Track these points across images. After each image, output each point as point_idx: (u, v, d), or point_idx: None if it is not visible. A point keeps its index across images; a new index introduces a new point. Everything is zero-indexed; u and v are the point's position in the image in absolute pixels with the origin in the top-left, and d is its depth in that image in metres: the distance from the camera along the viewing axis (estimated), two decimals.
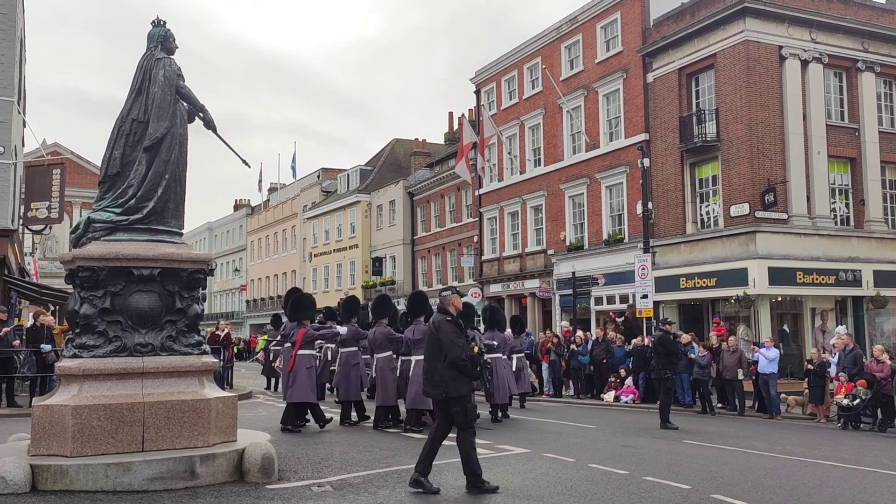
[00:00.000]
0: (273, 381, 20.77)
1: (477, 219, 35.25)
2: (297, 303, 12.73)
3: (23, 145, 24.25)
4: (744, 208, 21.59)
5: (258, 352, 29.41)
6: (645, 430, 12.98)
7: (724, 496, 7.30)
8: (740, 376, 16.69)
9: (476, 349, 7.37)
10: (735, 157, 22.05)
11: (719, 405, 17.13)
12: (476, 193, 35.22)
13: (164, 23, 8.61)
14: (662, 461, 9.46)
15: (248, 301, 60.60)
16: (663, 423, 13.28)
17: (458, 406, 7.18)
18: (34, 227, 23.67)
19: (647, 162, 22.44)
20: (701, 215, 23.69)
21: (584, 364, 19.67)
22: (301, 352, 11.86)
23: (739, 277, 21.07)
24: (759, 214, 21.31)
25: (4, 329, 14.66)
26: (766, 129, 21.87)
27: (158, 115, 8.18)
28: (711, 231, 22.83)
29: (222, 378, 17.92)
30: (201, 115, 8.64)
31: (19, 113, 20.21)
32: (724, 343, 17.31)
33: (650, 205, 22.94)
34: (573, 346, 20.08)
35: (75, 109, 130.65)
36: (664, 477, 8.18)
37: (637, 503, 6.95)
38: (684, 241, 23.43)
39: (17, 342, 15.20)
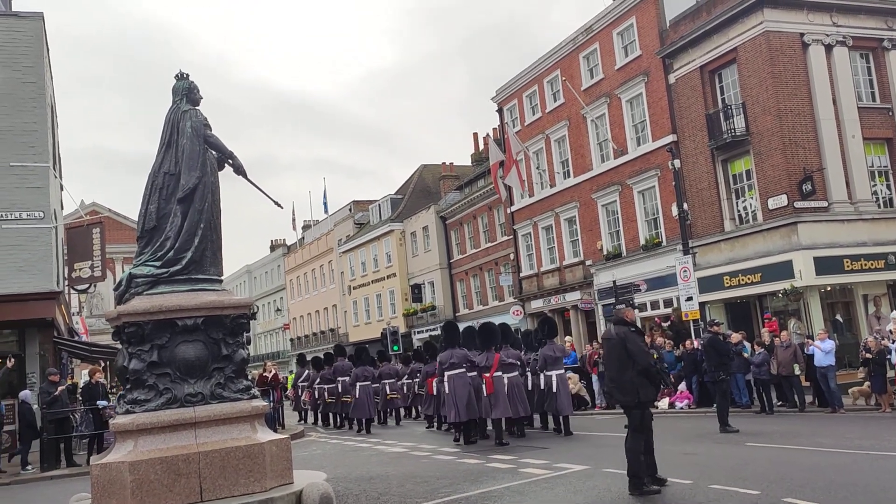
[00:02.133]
0: (302, 413, 24.04)
1: (511, 236, 35.13)
2: (488, 333, 14.18)
3: (61, 208, 24.92)
4: (782, 200, 21.16)
5: (287, 389, 30.07)
6: (704, 435, 12.66)
7: (795, 499, 7.04)
8: (797, 371, 16.22)
9: (655, 356, 8.08)
10: (767, 149, 21.66)
11: (779, 403, 16.66)
12: (508, 211, 35.13)
13: (188, 75, 8.75)
14: (727, 466, 9.18)
15: (291, 339, 61.05)
16: (723, 426, 12.94)
17: (638, 410, 7.79)
18: (79, 287, 24.20)
19: (677, 163, 22.15)
20: (738, 211, 23.27)
21: None
22: (497, 374, 13.40)
23: (785, 270, 20.58)
24: (799, 205, 20.85)
25: (60, 388, 14.93)
26: (797, 118, 21.45)
27: (189, 166, 8.29)
28: (751, 226, 22.40)
29: (273, 419, 17.98)
30: (230, 161, 8.74)
31: (56, 177, 20.77)
32: (777, 339, 16.86)
33: (685, 206, 22.60)
34: None
35: (107, 167, 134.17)
36: (731, 483, 7.93)
37: None
38: (724, 238, 23.02)
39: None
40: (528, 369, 14.90)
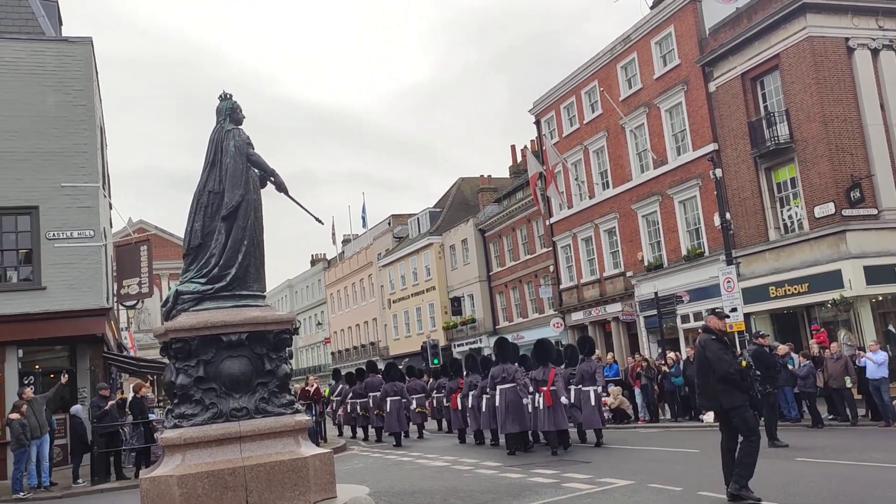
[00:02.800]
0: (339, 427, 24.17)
1: (551, 248, 34.96)
2: (543, 349, 14.91)
3: (111, 226, 25.58)
4: (829, 208, 20.69)
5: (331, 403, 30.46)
6: None
7: None
8: (848, 384, 15.76)
9: (744, 363, 8.59)
10: (812, 156, 21.24)
11: (830, 417, 16.20)
12: (547, 223, 34.99)
13: (231, 95, 8.94)
14: (777, 482, 8.96)
15: (332, 353, 61.50)
16: (771, 440, 12.62)
17: (736, 416, 7.84)
18: (127, 303, 24.76)
19: (719, 172, 21.82)
20: (783, 220, 22.83)
21: (679, 386, 19.01)
22: (553, 388, 13.93)
23: (833, 280, 20.09)
24: (847, 213, 20.36)
25: (110, 403, 15.27)
26: (843, 125, 21.01)
27: (233, 185, 8.45)
28: (797, 235, 21.94)
29: (316, 433, 18.12)
30: (272, 179, 8.89)
31: (105, 196, 21.34)
32: (827, 350, 16.43)
33: (728, 215, 22.23)
34: (665, 369, 19.45)
35: (152, 184, 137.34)
36: (781, 500, 7.74)
37: None
38: (769, 248, 22.58)
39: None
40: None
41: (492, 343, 37.39)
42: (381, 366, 25.59)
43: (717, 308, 11.24)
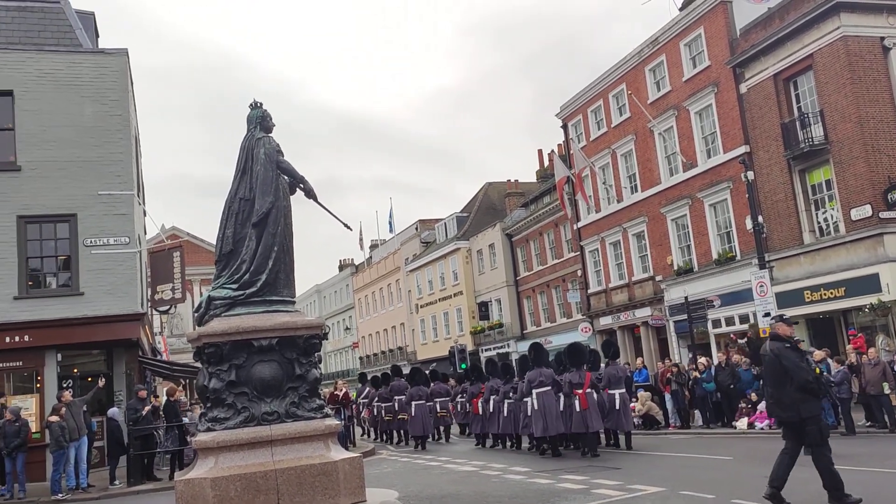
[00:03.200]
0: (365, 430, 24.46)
1: (578, 252, 34.79)
2: (578, 352, 15.34)
3: (145, 233, 26.04)
4: (866, 210, 20.32)
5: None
6: None
7: None
8: (886, 390, 15.44)
9: (818, 371, 8.42)
10: (848, 157, 20.89)
11: (867, 424, 15.88)
12: (575, 227, 34.83)
13: (261, 104, 9.09)
14: (812, 491, 8.80)
15: (361, 358, 61.80)
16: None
17: (813, 425, 7.76)
18: (161, 308, 25.20)
19: (751, 175, 21.54)
20: (818, 223, 22.47)
21: (710, 392, 18.79)
22: (588, 390, 14.42)
23: (871, 284, 19.73)
24: (884, 215, 19.99)
25: (146, 408, 15.56)
26: (879, 125, 20.64)
27: (263, 192, 8.59)
28: (832, 238, 21.58)
29: (345, 437, 18.25)
30: (302, 186, 9.01)
31: (139, 204, 21.75)
32: (864, 356, 16.11)
33: (760, 218, 21.94)
34: (696, 374, 19.23)
35: (183, 191, 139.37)
36: None
37: None
38: (803, 251, 22.24)
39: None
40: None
41: (519, 348, 37.47)
42: (406, 370, 25.83)
43: (776, 314, 10.92)
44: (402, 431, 21.24)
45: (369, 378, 26.43)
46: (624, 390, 15.31)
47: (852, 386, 15.84)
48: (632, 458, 13.34)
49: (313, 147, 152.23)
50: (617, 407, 14.84)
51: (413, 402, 19.71)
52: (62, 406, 14.58)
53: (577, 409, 14.26)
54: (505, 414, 16.68)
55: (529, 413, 14.99)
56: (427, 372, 23.63)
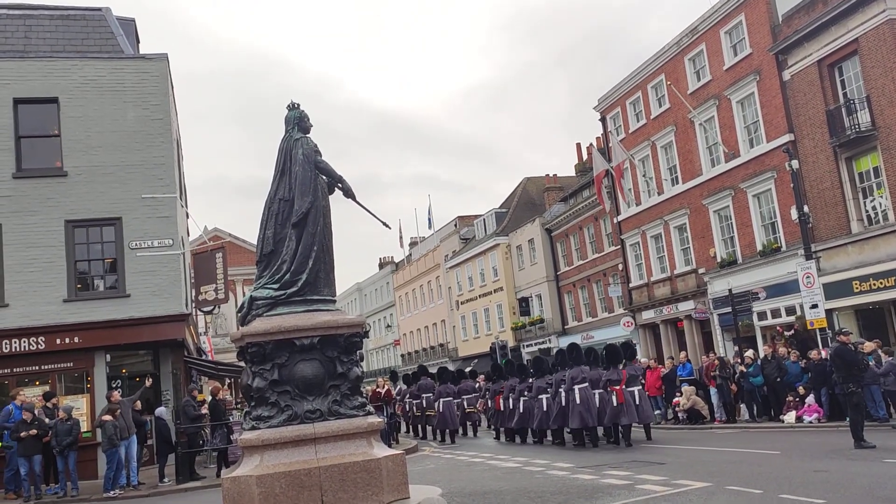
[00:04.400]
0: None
1: (619, 246, 34.42)
2: (614, 352, 16.45)
3: (188, 235, 26.53)
4: None
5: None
6: (837, 451, 11.89)
7: None
8: None
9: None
10: None
11: None
12: (615, 221, 34.47)
13: (299, 105, 9.15)
14: (863, 485, 8.60)
15: (402, 355, 62.10)
16: (857, 442, 12.10)
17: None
18: (205, 309, 25.63)
19: (795, 164, 21.06)
20: (866, 211, 21.87)
21: (758, 386, 18.43)
22: (625, 387, 15.57)
23: None
24: None
25: (205, 406, 15.91)
26: None
27: (302, 192, 8.65)
28: (881, 227, 20.99)
29: (388, 434, 18.36)
30: (340, 185, 9.04)
31: (182, 206, 22.16)
32: None
33: (805, 208, 21.44)
34: (742, 368, 18.87)
35: (223, 193, 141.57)
36: (868, 503, 7.42)
37: None
38: (851, 241, 21.67)
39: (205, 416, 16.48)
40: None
41: (561, 343, 37.24)
42: (452, 367, 27.28)
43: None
44: (429, 426, 22.43)
45: (400, 376, 27.67)
46: (641, 387, 16.42)
47: None
48: (676, 453, 13.17)
49: (351, 146, 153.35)
50: (637, 402, 15.82)
51: (441, 399, 21.01)
52: (117, 406, 14.95)
53: (615, 403, 15.43)
54: (521, 410, 17.96)
55: (571, 407, 15.91)
56: (455, 370, 25.22)
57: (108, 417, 14.63)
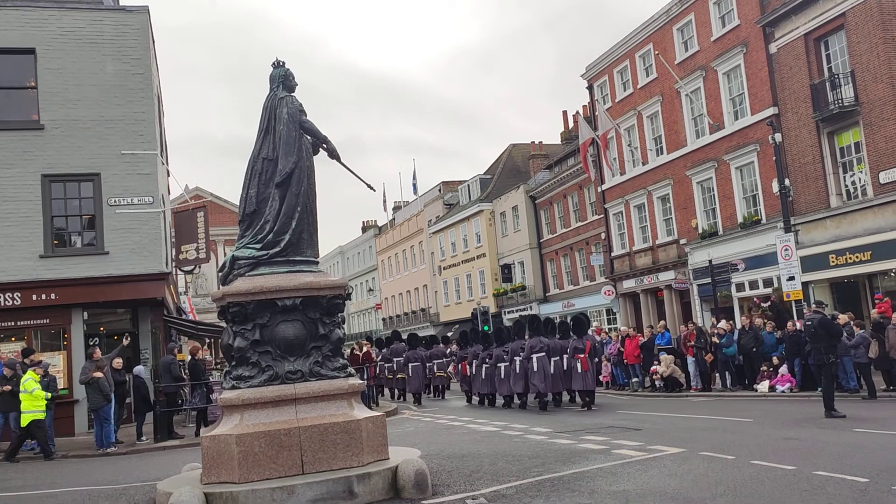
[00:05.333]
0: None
1: (602, 215, 34.54)
2: (580, 323, 18.00)
3: (168, 193, 26.21)
4: (895, 174, 19.90)
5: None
6: (808, 420, 12.16)
7: None
8: None
9: None
10: (879, 119, 20.39)
11: (891, 388, 15.76)
12: (599, 190, 34.53)
13: (284, 63, 8.99)
14: (832, 453, 8.81)
15: (384, 319, 62.28)
16: (828, 411, 12.38)
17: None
18: (185, 268, 25.46)
19: (778, 137, 21.13)
20: (846, 186, 22.06)
21: (731, 356, 18.74)
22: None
23: None
24: None
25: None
26: None
27: (286, 152, 8.55)
28: (860, 202, 21.20)
29: (368, 397, 18.51)
30: (325, 146, 8.95)
31: (163, 164, 21.84)
32: (890, 321, 15.89)
33: (787, 181, 21.58)
34: (714, 339, 19.16)
35: (205, 151, 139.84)
36: (837, 470, 7.61)
37: (810, 501, 6.49)
38: (829, 215, 21.89)
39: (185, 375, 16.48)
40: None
41: (542, 310, 37.60)
42: (434, 332, 28.78)
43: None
44: (399, 389, 23.97)
45: (374, 340, 29.15)
46: (584, 356, 17.12)
47: (870, 350, 15.71)
48: (653, 420, 13.39)
49: (335, 107, 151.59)
50: (579, 371, 16.93)
51: (410, 364, 22.49)
52: (105, 363, 14.88)
53: (580, 370, 16.69)
54: (483, 377, 19.06)
55: (529, 374, 16.99)
56: (428, 336, 26.59)
57: (99, 374, 14.56)
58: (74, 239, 18.68)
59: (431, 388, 23.72)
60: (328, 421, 7.84)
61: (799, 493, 6.81)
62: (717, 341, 18.97)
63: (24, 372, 15.19)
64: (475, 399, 20.18)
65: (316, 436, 7.71)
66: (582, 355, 16.70)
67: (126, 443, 15.31)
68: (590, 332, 19.37)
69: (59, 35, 18.27)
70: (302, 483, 7.23)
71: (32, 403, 13.98)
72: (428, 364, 22.94)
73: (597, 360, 19.30)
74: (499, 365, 18.17)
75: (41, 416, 14.10)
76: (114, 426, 15.13)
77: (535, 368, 16.69)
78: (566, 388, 17.30)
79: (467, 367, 20.55)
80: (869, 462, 8.08)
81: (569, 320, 18.66)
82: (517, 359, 17.36)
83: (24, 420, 13.96)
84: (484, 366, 19.00)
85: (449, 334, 27.88)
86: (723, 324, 20.08)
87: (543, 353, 16.75)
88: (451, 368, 23.90)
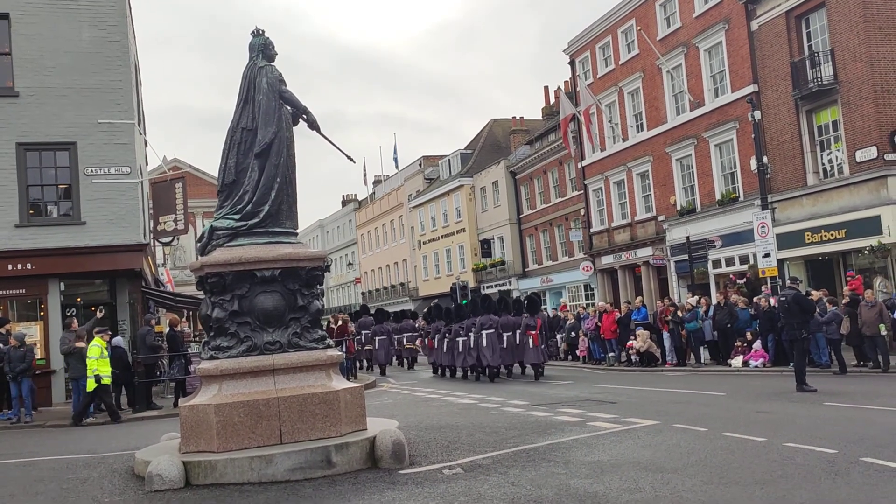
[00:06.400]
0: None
1: (582, 191, 34.65)
2: (534, 302, 19.38)
3: (146, 164, 25.90)
4: (871, 152, 20.14)
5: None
6: (780, 394, 12.42)
7: (874, 458, 6.88)
8: (883, 331, 15.60)
9: None
10: (857, 98, 20.58)
11: (861, 364, 16.11)
12: (579, 165, 34.60)
13: (263, 31, 8.89)
14: (802, 426, 9.02)
15: (363, 293, 62.27)
16: (799, 385, 12.63)
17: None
18: (163, 240, 25.26)
19: (758, 114, 21.26)
20: (823, 164, 22.30)
21: (692, 331, 19.08)
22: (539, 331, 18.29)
23: (872, 226, 19.72)
24: (890, 157, 19.82)
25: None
26: (890, 66, 20.27)
27: (265, 122, 8.48)
28: (836, 180, 21.45)
29: (346, 369, 18.60)
30: (305, 116, 8.88)
31: (140, 133, 21.54)
32: (863, 298, 16.20)
33: (765, 159, 21.77)
34: (679, 314, 19.44)
35: (182, 123, 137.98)
36: (806, 442, 7.80)
37: (779, 471, 6.66)
38: (806, 193, 22.14)
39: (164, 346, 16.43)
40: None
41: (521, 285, 37.82)
42: (412, 306, 29.73)
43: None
44: (367, 360, 25.07)
45: (352, 314, 29.87)
46: (536, 333, 18.24)
47: (841, 327, 16.02)
48: (628, 394, 13.59)
49: (315, 80, 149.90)
50: (531, 346, 18.22)
51: (376, 338, 23.77)
52: (84, 333, 14.78)
53: (531, 345, 17.97)
54: (444, 350, 20.34)
55: (478, 348, 18.29)
56: (398, 311, 28.50)
57: (81, 344, 14.47)
58: (51, 209, 18.42)
59: (402, 360, 25.55)
60: (307, 392, 7.89)
61: (769, 463, 6.98)
62: (681, 315, 19.27)
63: (1, 342, 15.07)
64: (440, 371, 21.48)
65: (294, 406, 7.76)
66: (533, 332, 17.94)
67: (104, 413, 15.26)
68: (545, 310, 20.90)
69: (34, 0, 17.85)
70: (280, 452, 7.29)
71: (100, 368, 14.04)
72: (397, 337, 24.62)
73: (560, 336, 22.39)
74: (457, 339, 19.39)
75: (107, 381, 14.23)
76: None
77: (485, 343, 18.00)
78: (518, 361, 18.91)
79: (433, 341, 21.82)
80: (837, 434, 8.29)
81: (523, 299, 20.09)
82: (471, 335, 18.73)
83: (90, 385, 14.04)
84: (445, 340, 20.24)
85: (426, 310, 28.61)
86: (692, 300, 20.36)
87: (493, 330, 18.03)
88: (417, 342, 25.33)
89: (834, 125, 21.79)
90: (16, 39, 17.72)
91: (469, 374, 19.41)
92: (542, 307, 22.11)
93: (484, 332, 18.13)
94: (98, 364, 14.00)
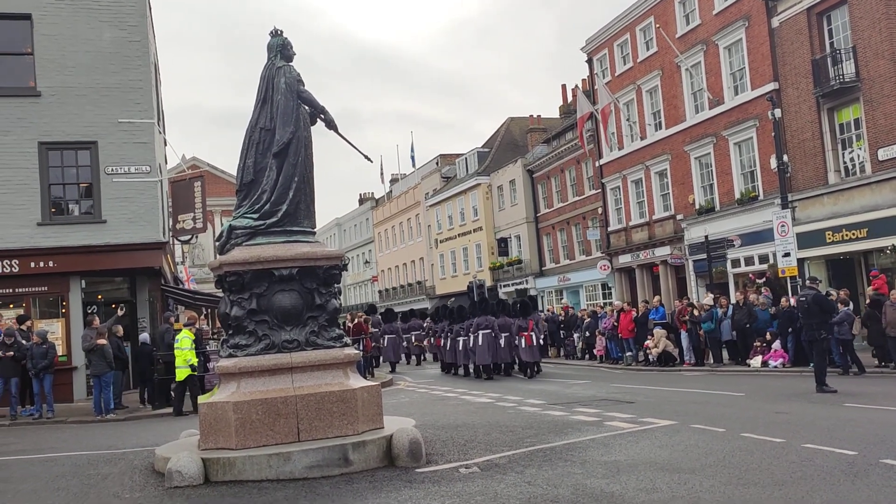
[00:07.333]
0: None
1: (600, 190, 34.51)
2: (526, 305, 20.28)
3: (165, 162, 26.11)
4: (893, 151, 19.89)
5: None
6: (799, 394, 12.30)
7: (895, 460, 6.80)
8: None
9: None
10: (879, 96, 20.32)
11: (883, 364, 15.90)
12: (596, 164, 34.45)
13: (282, 32, 8.92)
14: (822, 427, 8.93)
15: (380, 291, 62.41)
16: (819, 386, 12.51)
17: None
18: (182, 238, 25.45)
19: (778, 112, 21.05)
20: (844, 163, 22.04)
21: (707, 332, 18.96)
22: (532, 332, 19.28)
23: (894, 226, 19.46)
24: None
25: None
26: None
27: (284, 122, 8.53)
28: (858, 178, 21.20)
29: (363, 368, 18.67)
30: (322, 116, 8.93)
31: (160, 132, 21.73)
32: (888, 298, 15.96)
33: (785, 157, 21.55)
34: (697, 313, 19.32)
35: (199, 122, 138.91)
36: (826, 443, 7.72)
37: (798, 472, 6.60)
38: (827, 192, 21.90)
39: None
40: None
41: (538, 284, 37.70)
42: (429, 305, 30.54)
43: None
44: (375, 358, 25.24)
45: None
46: (530, 334, 19.28)
47: (853, 327, 15.82)
48: (645, 393, 13.53)
49: (331, 79, 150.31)
50: (524, 346, 19.17)
51: (385, 336, 24.49)
52: (106, 330, 14.97)
53: (524, 346, 19.04)
54: (448, 348, 21.40)
55: (474, 347, 19.17)
56: (407, 311, 29.94)
57: (103, 341, 14.65)
58: (72, 207, 18.64)
59: (409, 357, 27.03)
60: (324, 390, 7.93)
61: (787, 464, 6.92)
62: (698, 315, 19.15)
63: (22, 339, 15.28)
64: (446, 369, 22.36)
65: (312, 404, 7.80)
66: (525, 333, 19.07)
67: (130, 408, 15.47)
68: (540, 313, 22.65)
69: (56, 1, 18.06)
70: (298, 450, 7.34)
71: (187, 360, 14.43)
72: (406, 336, 25.92)
73: (576, 335, 24.40)
74: (458, 339, 20.52)
75: (194, 372, 14.66)
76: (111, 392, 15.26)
77: (481, 343, 19.00)
78: (512, 360, 19.94)
79: (440, 339, 22.94)
80: (858, 436, 8.20)
81: (517, 304, 21.03)
82: (471, 335, 19.61)
83: (182, 374, 14.46)
84: (449, 338, 21.36)
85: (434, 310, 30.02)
86: (708, 299, 20.22)
87: (489, 330, 18.94)
88: (425, 341, 26.43)
89: (856, 123, 21.53)
90: (38, 39, 17.93)
91: (471, 371, 20.24)
92: (538, 310, 23.66)
93: (480, 333, 19.07)
94: (191, 354, 14.51)
